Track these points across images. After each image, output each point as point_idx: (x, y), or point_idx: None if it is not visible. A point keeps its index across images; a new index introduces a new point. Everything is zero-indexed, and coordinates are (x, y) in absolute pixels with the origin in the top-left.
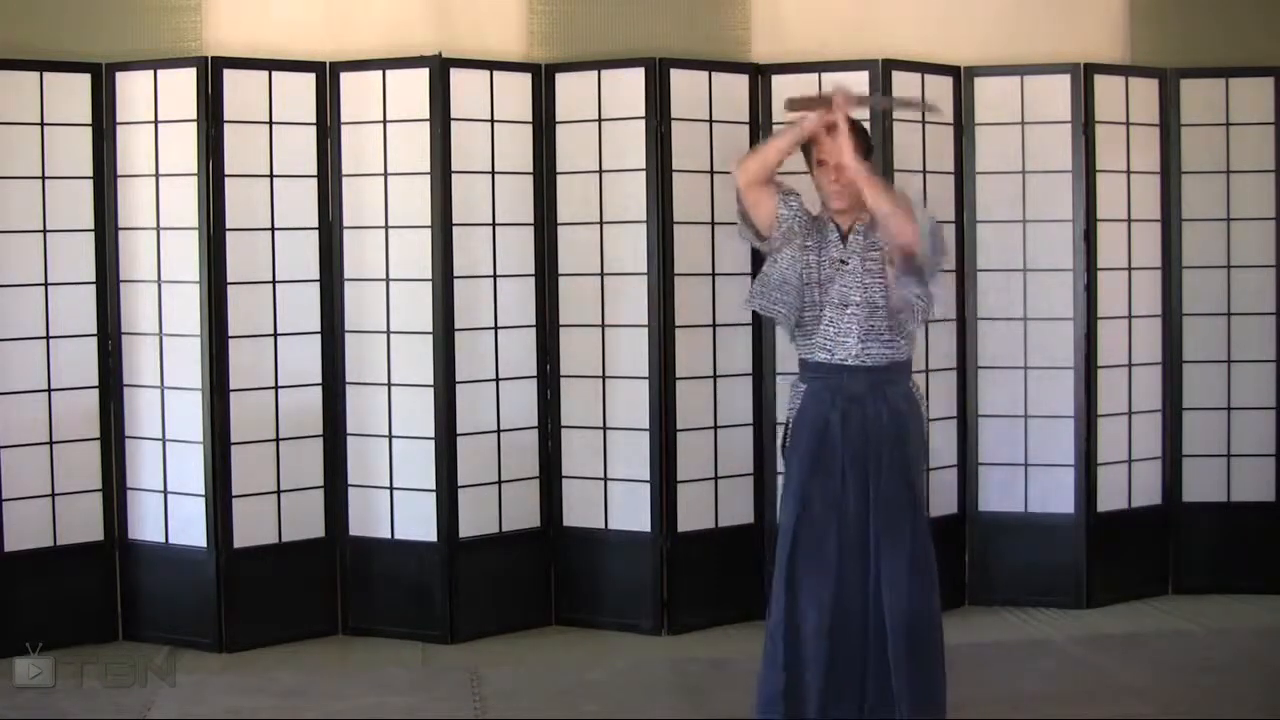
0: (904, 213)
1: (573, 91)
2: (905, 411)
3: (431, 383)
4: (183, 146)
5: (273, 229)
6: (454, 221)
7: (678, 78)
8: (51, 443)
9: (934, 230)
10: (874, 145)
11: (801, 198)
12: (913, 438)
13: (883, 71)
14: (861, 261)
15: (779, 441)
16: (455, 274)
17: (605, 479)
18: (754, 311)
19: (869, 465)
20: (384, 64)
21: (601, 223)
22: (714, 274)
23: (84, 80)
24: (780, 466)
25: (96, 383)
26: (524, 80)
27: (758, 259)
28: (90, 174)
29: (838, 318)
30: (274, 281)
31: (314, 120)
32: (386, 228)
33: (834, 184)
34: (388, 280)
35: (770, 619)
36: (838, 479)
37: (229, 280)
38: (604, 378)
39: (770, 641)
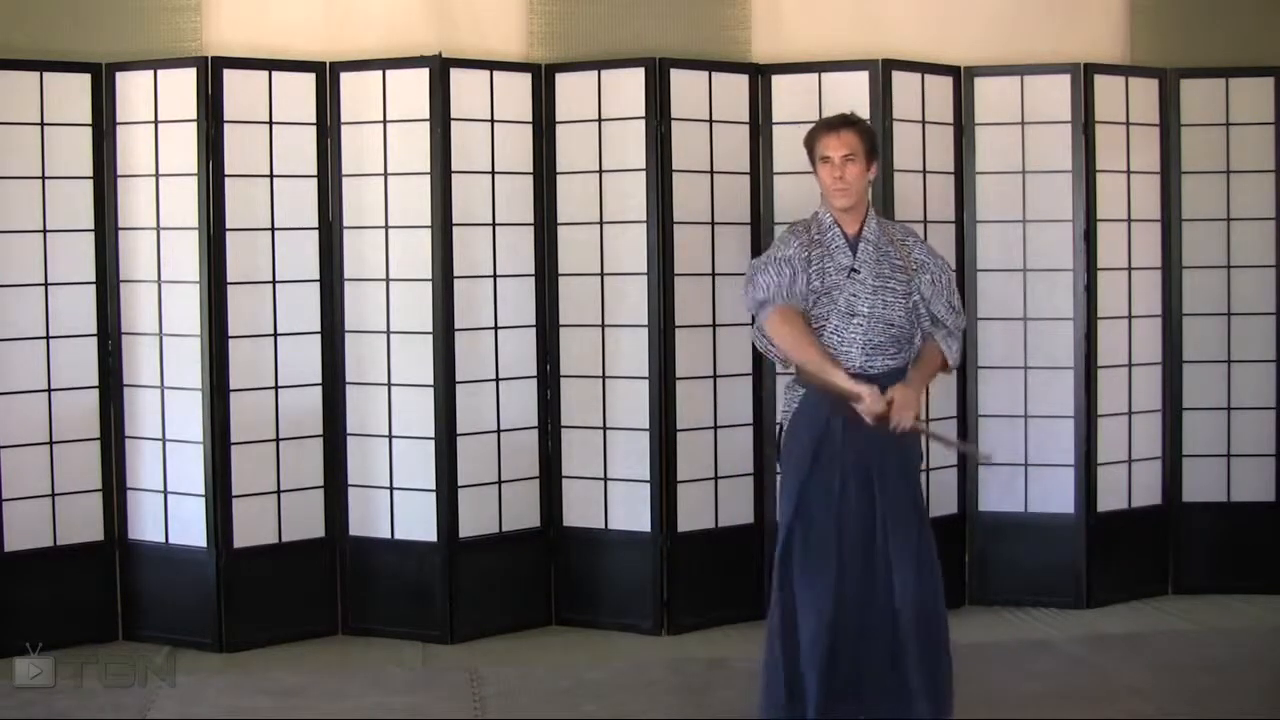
0: (937, 363)
1: (573, 92)
2: None
3: (431, 383)
4: (183, 146)
5: (273, 229)
6: (454, 221)
7: (678, 78)
8: (51, 443)
9: (959, 320)
10: (878, 148)
11: (796, 233)
12: (912, 440)
13: (883, 72)
14: (873, 274)
15: (776, 442)
16: (455, 274)
17: (605, 479)
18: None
19: (872, 469)
20: (384, 64)
21: (601, 223)
22: (714, 274)
23: (84, 80)
24: (778, 467)
25: (96, 383)
26: (524, 80)
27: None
28: (90, 174)
29: (843, 326)
30: (274, 281)
31: (314, 120)
32: (386, 228)
33: (839, 181)
34: (388, 280)
35: (770, 619)
36: (836, 481)
37: (229, 280)
38: (604, 378)
39: (770, 642)
